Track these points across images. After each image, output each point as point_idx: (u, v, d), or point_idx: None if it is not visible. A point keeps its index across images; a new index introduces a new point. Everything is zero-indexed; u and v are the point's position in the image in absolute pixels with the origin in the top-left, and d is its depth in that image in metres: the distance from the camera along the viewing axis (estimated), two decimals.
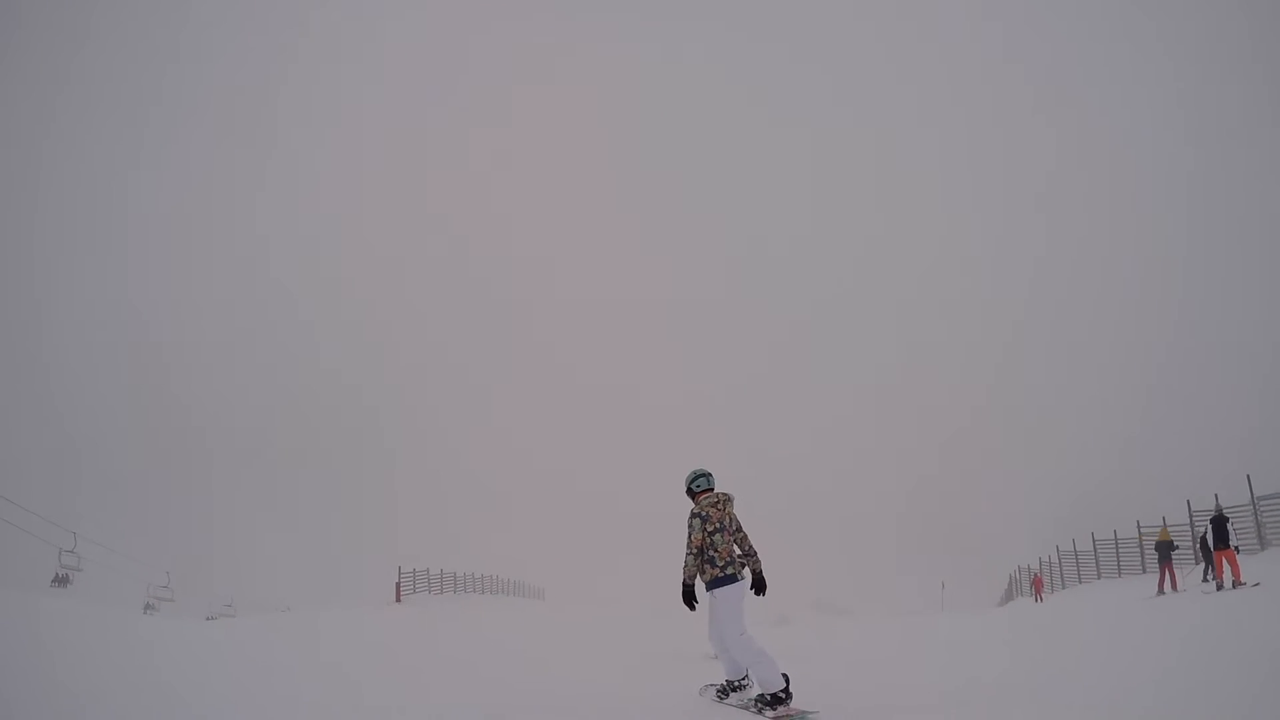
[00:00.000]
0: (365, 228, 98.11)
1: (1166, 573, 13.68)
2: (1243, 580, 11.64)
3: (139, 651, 7.41)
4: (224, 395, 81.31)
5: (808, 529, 64.38)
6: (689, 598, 4.89)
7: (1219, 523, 12.05)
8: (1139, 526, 20.09)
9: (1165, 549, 13.78)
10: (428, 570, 25.92)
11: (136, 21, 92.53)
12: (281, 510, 69.07)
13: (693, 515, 5.00)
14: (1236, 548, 11.92)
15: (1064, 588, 24.10)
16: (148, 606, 22.09)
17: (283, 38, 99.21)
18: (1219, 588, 11.83)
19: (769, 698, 4.75)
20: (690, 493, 5.20)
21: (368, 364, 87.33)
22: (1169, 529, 14.91)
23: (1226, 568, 11.85)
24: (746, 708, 5.00)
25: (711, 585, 4.94)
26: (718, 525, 4.97)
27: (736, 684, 5.26)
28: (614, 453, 74.49)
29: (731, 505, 5.11)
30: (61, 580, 18.38)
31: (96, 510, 58.82)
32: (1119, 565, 21.05)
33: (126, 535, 49.44)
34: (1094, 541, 22.56)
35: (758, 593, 5.14)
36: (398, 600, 22.59)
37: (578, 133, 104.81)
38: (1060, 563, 25.20)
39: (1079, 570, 23.51)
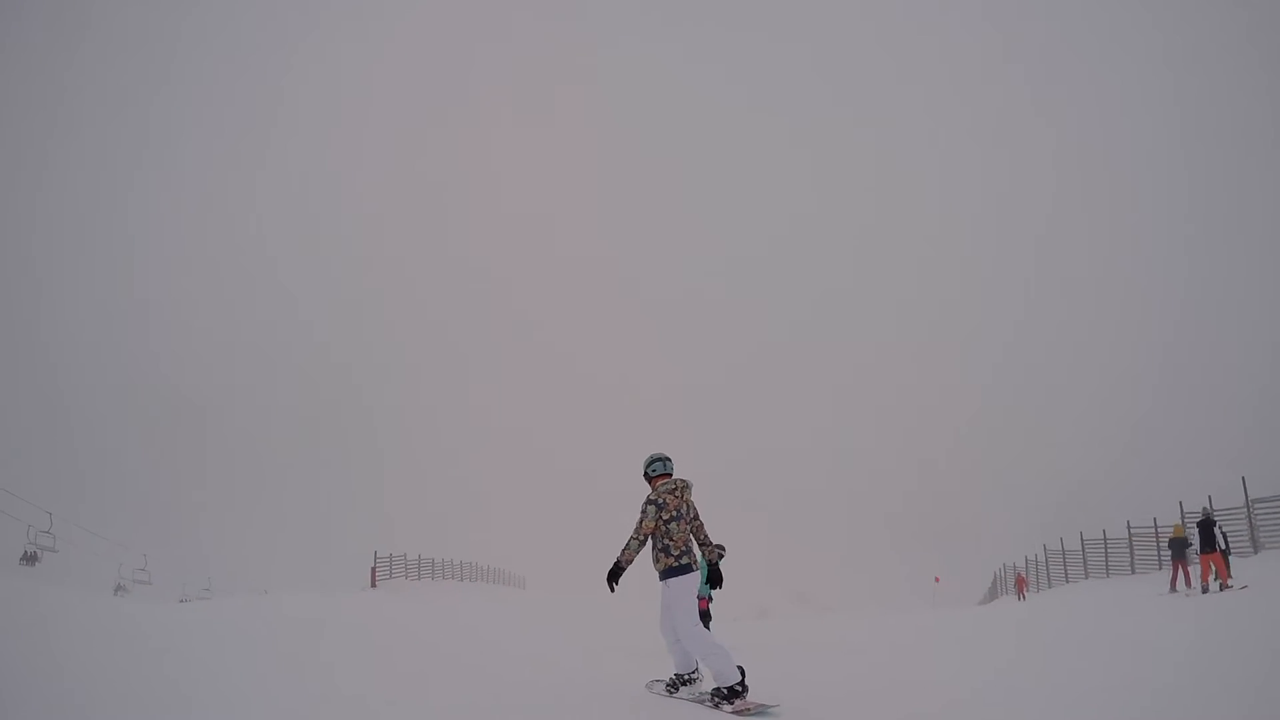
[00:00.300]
0: (365, 223, 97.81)
1: (1180, 570, 13.32)
2: (1230, 584, 11.48)
3: (95, 634, 7.16)
4: (221, 386, 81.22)
5: (799, 523, 64.44)
6: (615, 578, 4.64)
7: (1206, 526, 11.88)
8: (1129, 527, 19.93)
9: (1179, 546, 13.35)
10: (405, 555, 25.65)
11: (139, 16, 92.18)
12: (274, 498, 69.05)
13: (648, 501, 4.75)
14: (1224, 551, 11.76)
15: (1049, 587, 23.95)
16: (118, 588, 21.74)
17: (284, 35, 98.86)
18: (1204, 590, 11.66)
19: (725, 691, 4.51)
20: (647, 477, 4.95)
21: (361, 354, 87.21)
22: (1182, 526, 14.54)
23: (1213, 571, 11.72)
24: (701, 702, 4.73)
25: (665, 575, 4.71)
26: (674, 513, 4.72)
27: (686, 678, 5.01)
28: (610, 448, 74.27)
29: (689, 492, 4.85)
30: (30, 558, 18.00)
31: (94, 495, 58.76)
32: (1107, 565, 20.88)
33: (121, 519, 49.29)
34: (1082, 541, 22.40)
35: (713, 586, 4.92)
36: (373, 585, 22.34)
37: (577, 129, 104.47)
38: (1047, 561, 25.04)
39: (1066, 569, 23.36)
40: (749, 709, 4.39)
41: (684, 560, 4.69)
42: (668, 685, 5.06)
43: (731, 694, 4.48)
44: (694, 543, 4.85)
